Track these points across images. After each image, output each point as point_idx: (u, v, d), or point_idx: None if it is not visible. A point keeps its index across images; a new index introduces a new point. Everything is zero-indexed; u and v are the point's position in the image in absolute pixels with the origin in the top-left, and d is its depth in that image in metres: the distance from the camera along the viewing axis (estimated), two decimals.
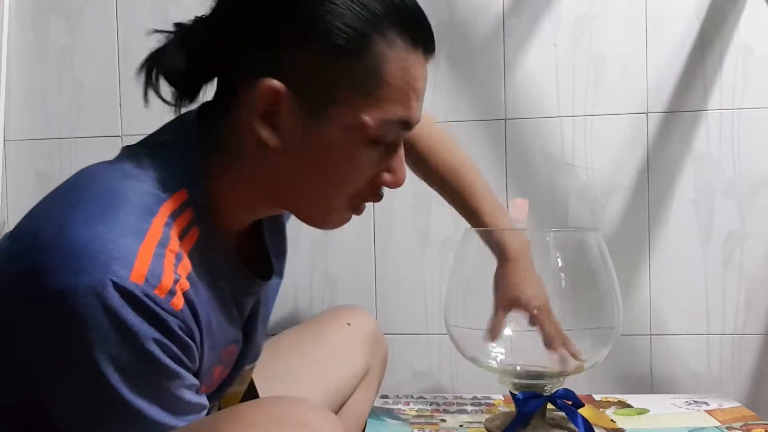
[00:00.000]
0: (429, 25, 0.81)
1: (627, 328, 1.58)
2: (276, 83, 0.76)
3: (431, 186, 1.22)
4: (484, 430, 1.21)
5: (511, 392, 1.18)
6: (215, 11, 0.83)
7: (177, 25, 0.85)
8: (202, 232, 0.80)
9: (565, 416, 1.17)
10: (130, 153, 0.84)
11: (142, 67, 0.83)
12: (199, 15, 0.85)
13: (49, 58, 1.74)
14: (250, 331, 0.96)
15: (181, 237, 0.77)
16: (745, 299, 1.60)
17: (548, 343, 1.12)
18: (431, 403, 1.36)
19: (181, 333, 0.75)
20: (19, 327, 0.73)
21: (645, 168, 1.62)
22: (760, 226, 1.59)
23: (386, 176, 0.83)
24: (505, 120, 1.64)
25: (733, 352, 1.61)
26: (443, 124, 1.65)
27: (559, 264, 1.14)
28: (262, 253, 0.98)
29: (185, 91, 0.84)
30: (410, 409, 1.32)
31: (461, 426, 1.22)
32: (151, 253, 0.72)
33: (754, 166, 1.59)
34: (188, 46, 0.82)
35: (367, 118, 0.77)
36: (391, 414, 1.29)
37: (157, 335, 0.72)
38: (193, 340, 0.78)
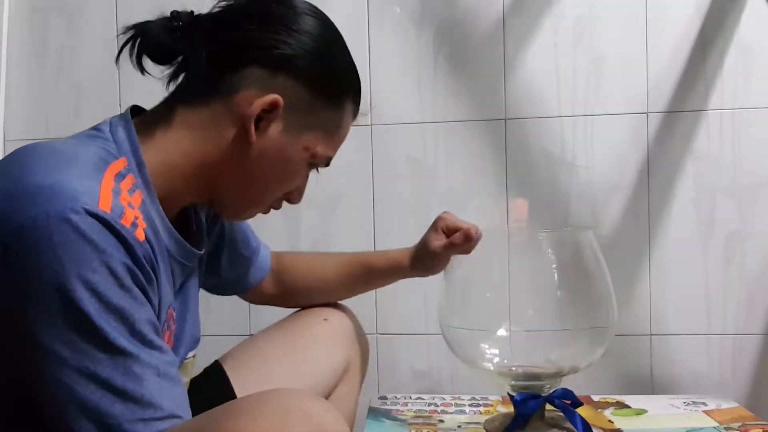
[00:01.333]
0: None
1: (627, 328, 1.58)
2: (279, 99, 0.90)
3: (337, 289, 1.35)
4: (482, 430, 1.21)
5: (509, 394, 1.18)
6: (228, 20, 0.93)
7: (176, 13, 0.93)
8: (145, 197, 0.87)
9: (564, 416, 1.17)
10: (67, 137, 0.91)
11: (126, 30, 0.92)
12: (197, 12, 0.94)
13: (48, 57, 1.75)
14: (182, 304, 1.01)
15: (129, 194, 0.84)
16: (746, 299, 1.60)
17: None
18: (429, 404, 1.36)
19: (145, 262, 0.80)
20: None
21: (645, 168, 1.61)
22: (761, 226, 1.59)
23: (296, 194, 1.03)
24: (505, 120, 1.64)
25: (733, 352, 1.61)
26: (443, 124, 1.66)
27: (554, 264, 1.14)
28: (190, 232, 1.04)
29: (185, 73, 0.94)
30: (408, 410, 1.32)
31: (459, 427, 1.22)
32: (110, 194, 0.79)
33: (755, 165, 1.58)
34: (193, 38, 0.91)
35: (319, 149, 0.97)
36: (389, 414, 1.29)
37: (127, 260, 0.77)
38: (155, 274, 0.83)
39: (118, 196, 0.80)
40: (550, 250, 1.14)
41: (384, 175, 1.68)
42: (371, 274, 1.32)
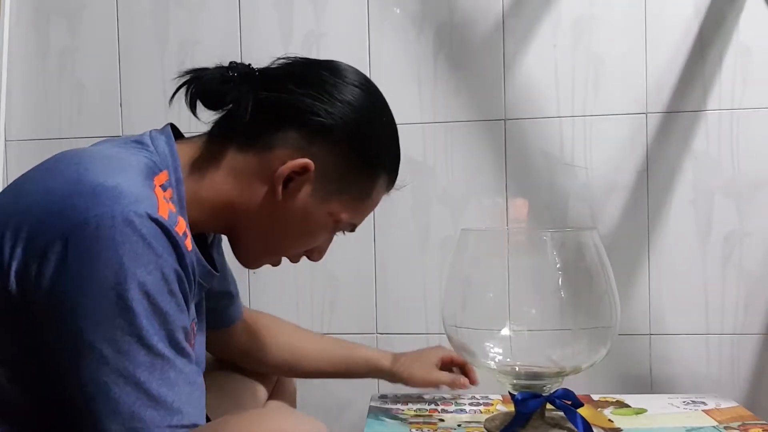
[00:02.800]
0: None
1: (626, 327, 1.59)
2: (311, 164, 0.93)
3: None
4: (482, 429, 1.21)
5: (510, 392, 1.18)
6: (280, 79, 0.95)
7: (233, 64, 0.97)
8: (177, 212, 0.88)
9: (564, 416, 1.18)
10: (111, 140, 0.93)
11: (182, 75, 0.95)
12: (255, 67, 0.98)
13: (49, 58, 1.75)
14: (198, 323, 1.02)
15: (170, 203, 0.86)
16: (744, 299, 1.61)
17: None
18: (430, 403, 1.36)
19: (190, 270, 0.84)
20: (39, 274, 0.76)
21: (644, 168, 1.62)
22: (759, 226, 1.60)
23: (316, 253, 1.05)
24: (504, 120, 1.65)
25: (732, 351, 1.61)
26: (443, 125, 1.66)
27: (557, 264, 1.14)
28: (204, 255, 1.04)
29: (229, 120, 0.96)
30: (409, 409, 1.32)
31: (459, 426, 1.23)
32: (165, 203, 0.82)
33: (753, 166, 1.59)
34: (245, 90, 0.94)
35: (344, 216, 0.99)
36: (389, 414, 1.30)
37: (178, 267, 0.80)
38: (194, 281, 0.86)
39: (168, 205, 0.83)
40: (553, 250, 1.15)
41: None
42: (349, 364, 1.32)
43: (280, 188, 0.93)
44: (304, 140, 0.93)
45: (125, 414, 0.75)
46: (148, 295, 0.76)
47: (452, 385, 1.29)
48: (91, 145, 0.93)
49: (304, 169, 0.92)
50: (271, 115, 0.94)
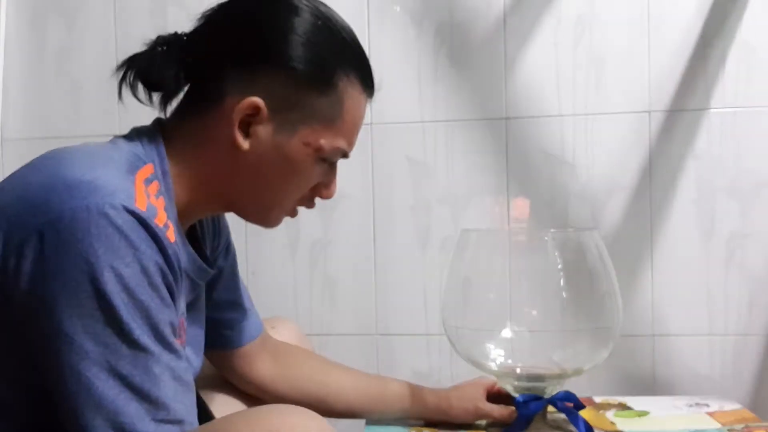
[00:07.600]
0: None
1: (629, 328, 1.57)
2: (257, 99, 0.88)
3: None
4: (483, 431, 1.20)
5: (511, 395, 1.17)
6: (202, 32, 0.93)
7: (161, 38, 0.93)
8: (167, 205, 0.86)
9: (566, 418, 1.17)
10: (99, 142, 0.91)
11: (119, 68, 0.93)
12: (182, 32, 0.94)
13: (47, 57, 1.74)
14: (190, 324, 1.00)
15: (156, 198, 0.85)
16: (748, 299, 1.59)
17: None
18: None
19: (175, 263, 0.82)
20: (17, 269, 0.75)
21: (647, 167, 1.61)
22: (762, 226, 1.58)
23: (323, 190, 0.98)
24: (505, 119, 1.63)
25: (735, 352, 1.60)
26: (443, 123, 1.65)
27: (559, 264, 1.14)
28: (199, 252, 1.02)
29: (165, 94, 0.94)
30: None
31: (460, 427, 1.22)
32: (144, 195, 0.81)
33: (756, 165, 1.58)
34: (172, 59, 0.91)
35: (323, 142, 0.92)
36: None
37: (159, 259, 0.79)
38: (180, 275, 0.85)
39: (149, 199, 0.81)
40: (555, 250, 1.14)
41: (384, 175, 1.67)
42: (386, 397, 1.23)
43: (239, 138, 0.89)
44: (245, 80, 0.88)
45: (108, 408, 0.74)
46: (127, 288, 0.75)
47: (502, 417, 1.18)
48: (78, 144, 0.91)
49: (255, 109, 0.88)
50: (206, 68, 0.90)
